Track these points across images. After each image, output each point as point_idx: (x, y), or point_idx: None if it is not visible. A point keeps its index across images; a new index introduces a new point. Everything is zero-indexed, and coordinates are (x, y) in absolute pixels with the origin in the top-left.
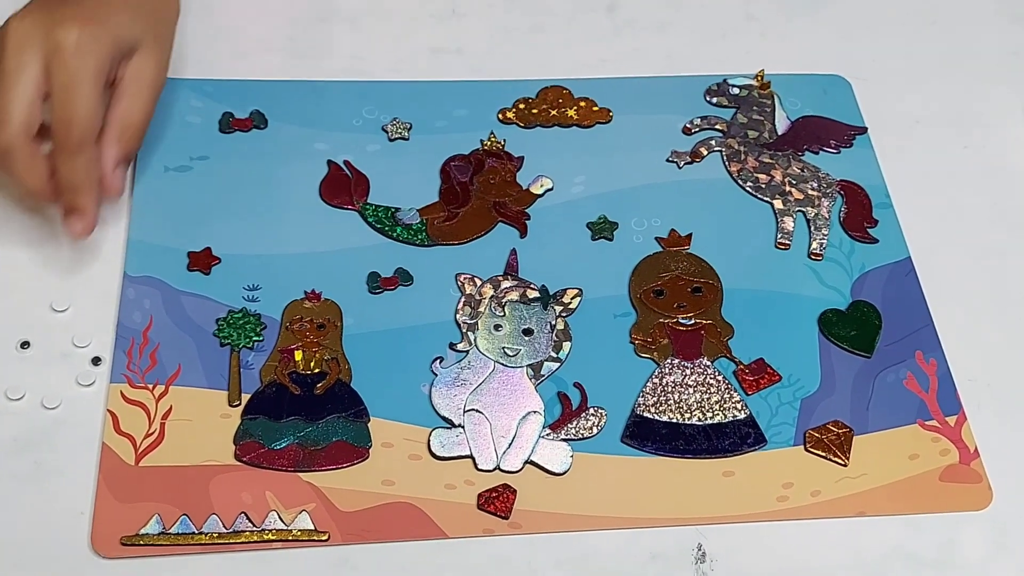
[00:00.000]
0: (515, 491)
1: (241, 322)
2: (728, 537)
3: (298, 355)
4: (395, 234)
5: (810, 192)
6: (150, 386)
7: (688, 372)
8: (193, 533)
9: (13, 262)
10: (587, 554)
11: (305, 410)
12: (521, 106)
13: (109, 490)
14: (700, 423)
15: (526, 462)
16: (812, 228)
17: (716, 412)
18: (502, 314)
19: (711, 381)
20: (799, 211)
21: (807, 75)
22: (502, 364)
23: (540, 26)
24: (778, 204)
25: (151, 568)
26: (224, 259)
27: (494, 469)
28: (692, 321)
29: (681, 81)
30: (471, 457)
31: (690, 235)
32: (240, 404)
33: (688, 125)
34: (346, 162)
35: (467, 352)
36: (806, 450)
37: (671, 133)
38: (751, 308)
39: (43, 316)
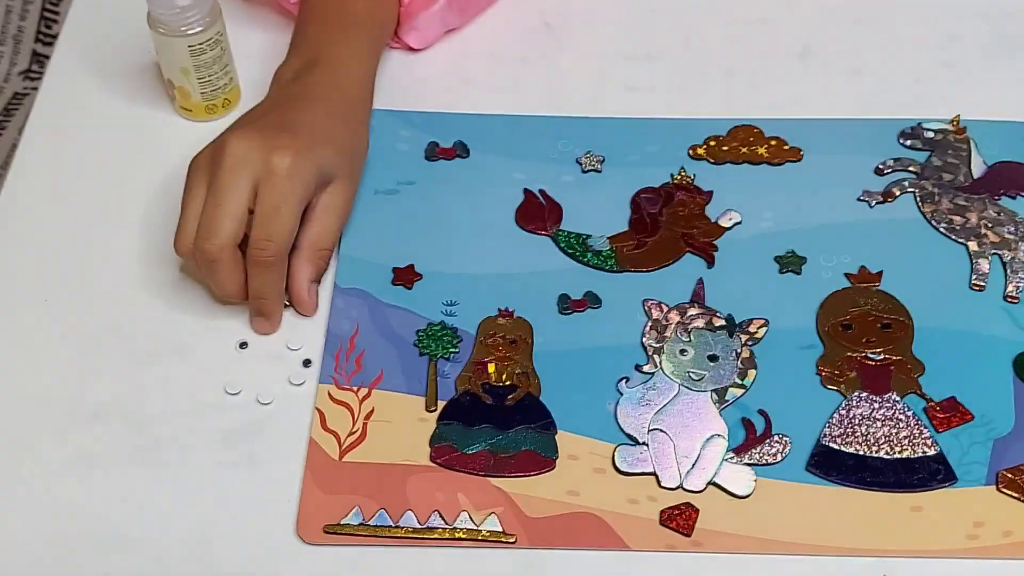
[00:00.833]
0: (697, 510)
1: (439, 334)
2: (915, 571)
3: (491, 367)
4: (586, 259)
5: (1007, 236)
6: (355, 388)
7: (876, 406)
8: (390, 526)
9: None
10: None
11: (496, 419)
12: (712, 143)
13: (315, 482)
14: (888, 457)
15: (709, 483)
16: (1008, 271)
17: (905, 447)
18: (688, 339)
19: (900, 416)
20: (995, 254)
21: (1004, 122)
22: (687, 387)
23: (733, 69)
24: (973, 246)
25: (349, 556)
26: (425, 276)
27: (677, 487)
28: (881, 356)
29: (874, 123)
30: (654, 474)
31: (880, 272)
32: (436, 410)
33: (881, 166)
34: (541, 191)
35: (653, 374)
36: (998, 490)
37: (863, 173)
38: (943, 347)
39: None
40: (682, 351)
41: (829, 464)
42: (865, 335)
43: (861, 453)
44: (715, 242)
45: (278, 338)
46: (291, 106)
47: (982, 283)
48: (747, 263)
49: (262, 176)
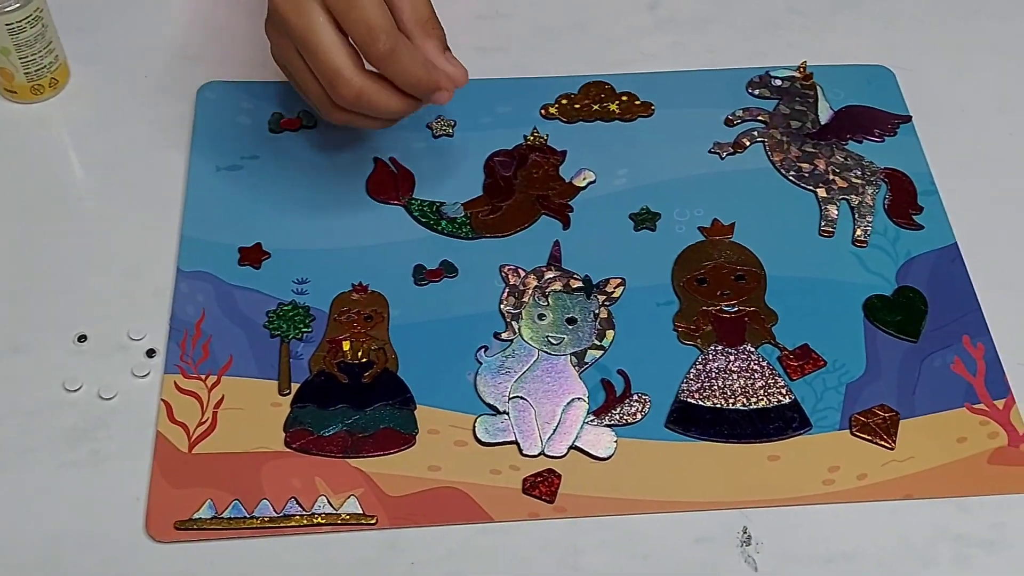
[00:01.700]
0: (560, 476)
1: (291, 314)
2: (774, 520)
3: (346, 345)
4: (440, 227)
5: (854, 180)
6: (203, 376)
7: (732, 358)
8: (245, 517)
9: (69, 260)
10: (632, 537)
11: (353, 398)
12: (564, 102)
13: (163, 476)
14: (744, 408)
15: (571, 447)
16: (856, 216)
17: (761, 397)
18: (546, 304)
19: (755, 367)
20: (843, 199)
21: (850, 66)
22: (546, 352)
23: (582, 24)
24: (822, 192)
25: (204, 552)
26: (274, 254)
27: (539, 454)
28: (736, 308)
29: (723, 74)
30: (516, 443)
31: (733, 224)
32: (290, 393)
33: (730, 117)
34: (392, 159)
35: (511, 341)
36: (852, 434)
37: (713, 125)
38: (795, 295)
39: (99, 311)
40: (540, 316)
41: (688, 420)
42: (719, 288)
43: (719, 406)
44: (570, 203)
45: (119, 328)
46: None
47: (831, 229)
48: (603, 222)
49: None
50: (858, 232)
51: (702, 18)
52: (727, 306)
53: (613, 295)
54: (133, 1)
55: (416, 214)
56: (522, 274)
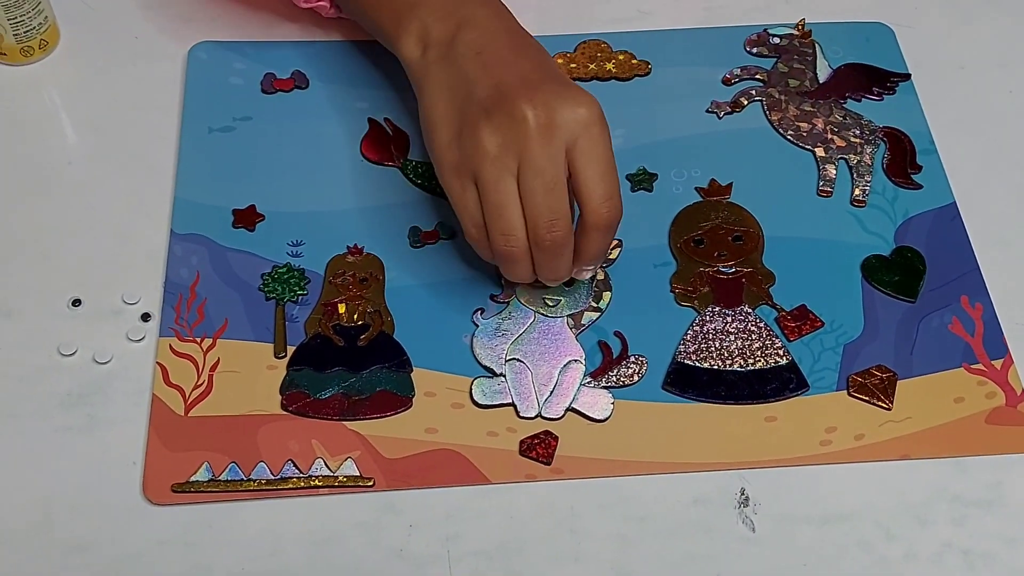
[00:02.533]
0: (557, 438)
1: (286, 277)
2: (771, 481)
3: (341, 308)
4: (436, 189)
5: (852, 139)
6: (198, 339)
7: (729, 320)
8: (242, 480)
9: (61, 224)
10: (629, 499)
11: (349, 361)
12: (559, 61)
13: (160, 440)
14: (742, 369)
15: (568, 409)
16: (855, 175)
17: (758, 358)
18: None
19: (752, 328)
20: (841, 159)
21: (849, 23)
22: (542, 314)
23: None
24: (820, 152)
25: (201, 514)
26: (268, 216)
27: (536, 416)
28: (733, 269)
29: (720, 32)
30: (513, 405)
31: (730, 184)
32: (286, 356)
33: (728, 75)
34: (387, 120)
35: (508, 303)
36: (849, 395)
37: (711, 84)
38: (793, 256)
39: (93, 275)
40: None
41: (685, 381)
42: (716, 249)
43: (716, 368)
44: None
45: (113, 292)
46: (510, 60)
47: (829, 189)
48: None
49: (580, 133)
50: (856, 192)
51: None
52: (724, 267)
53: (610, 256)
54: None
55: (412, 175)
56: None
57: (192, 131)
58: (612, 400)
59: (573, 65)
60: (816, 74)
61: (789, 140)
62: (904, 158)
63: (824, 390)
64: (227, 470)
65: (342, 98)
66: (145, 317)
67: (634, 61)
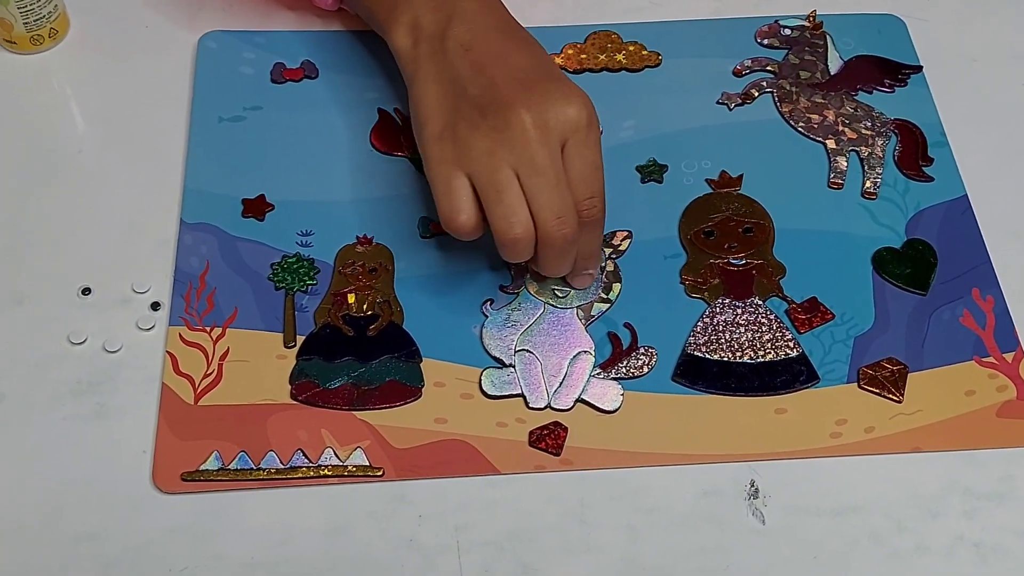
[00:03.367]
0: (566, 428)
1: (295, 266)
2: (781, 473)
3: (351, 298)
4: None
5: (863, 131)
6: (208, 328)
7: (739, 311)
8: (251, 469)
9: (71, 212)
10: (638, 490)
11: (358, 351)
12: (570, 51)
13: (169, 428)
14: (752, 361)
15: (577, 400)
16: (866, 167)
17: (768, 351)
18: None
19: (763, 320)
20: (852, 151)
21: (860, 15)
22: (552, 305)
23: None
24: (831, 144)
25: (211, 503)
26: (278, 206)
27: (545, 407)
28: (743, 261)
29: (732, 23)
30: (522, 396)
31: (741, 176)
32: (295, 345)
33: (739, 67)
34: (396, 110)
35: (517, 294)
36: (860, 387)
37: (722, 76)
38: (804, 248)
39: (103, 264)
40: None
41: (694, 373)
42: (727, 241)
43: (726, 359)
44: None
45: (123, 281)
46: (501, 56)
47: (840, 181)
48: (609, 174)
49: (569, 134)
50: (867, 184)
51: None
52: (735, 259)
53: (620, 248)
54: None
55: (421, 166)
56: None
57: (202, 120)
58: (622, 391)
59: (584, 56)
60: (827, 66)
61: (800, 132)
62: (915, 150)
63: (835, 382)
64: (237, 459)
65: (352, 88)
66: (155, 306)
67: (645, 52)
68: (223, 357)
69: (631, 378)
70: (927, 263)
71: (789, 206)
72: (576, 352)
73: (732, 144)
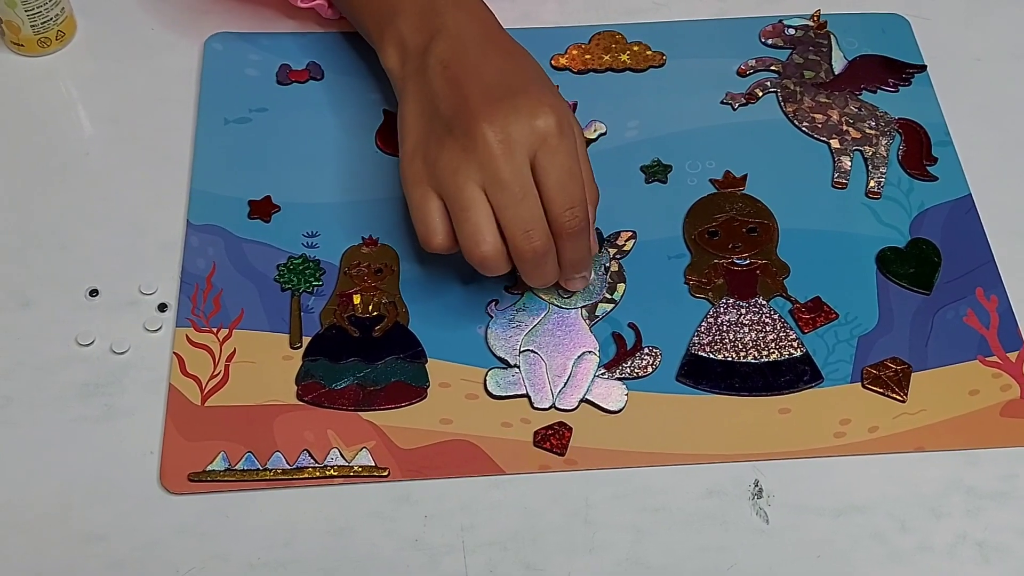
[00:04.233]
0: (571, 428)
1: (301, 267)
2: (785, 473)
3: (357, 299)
4: None
5: (867, 131)
6: (214, 330)
7: (743, 311)
8: (258, 470)
9: (78, 214)
10: (643, 490)
11: (364, 352)
12: (574, 52)
13: (176, 429)
14: (756, 361)
15: (581, 401)
16: (869, 167)
17: (772, 350)
18: None
19: (767, 320)
20: (856, 150)
21: (864, 14)
22: (556, 306)
23: None
24: (835, 144)
25: (218, 503)
26: (283, 207)
27: (550, 407)
28: (747, 261)
29: (735, 23)
30: (527, 396)
31: (745, 176)
32: (301, 346)
33: (743, 67)
34: None
35: (522, 294)
36: (863, 387)
37: (726, 76)
38: (808, 248)
39: (110, 265)
40: None
41: (699, 373)
42: (731, 241)
43: (730, 359)
44: None
45: (130, 283)
46: (476, 71)
47: (844, 180)
48: (613, 175)
49: (537, 146)
50: (871, 183)
51: None
52: (739, 259)
53: (624, 248)
54: None
55: None
56: None
57: (208, 122)
58: (626, 391)
59: (588, 56)
60: (831, 65)
61: (804, 132)
62: (919, 150)
63: (838, 382)
64: (243, 460)
65: (357, 89)
66: (162, 307)
67: (649, 52)
68: (230, 358)
69: (635, 378)
70: (931, 263)
71: (793, 206)
72: (580, 352)
73: (736, 144)
